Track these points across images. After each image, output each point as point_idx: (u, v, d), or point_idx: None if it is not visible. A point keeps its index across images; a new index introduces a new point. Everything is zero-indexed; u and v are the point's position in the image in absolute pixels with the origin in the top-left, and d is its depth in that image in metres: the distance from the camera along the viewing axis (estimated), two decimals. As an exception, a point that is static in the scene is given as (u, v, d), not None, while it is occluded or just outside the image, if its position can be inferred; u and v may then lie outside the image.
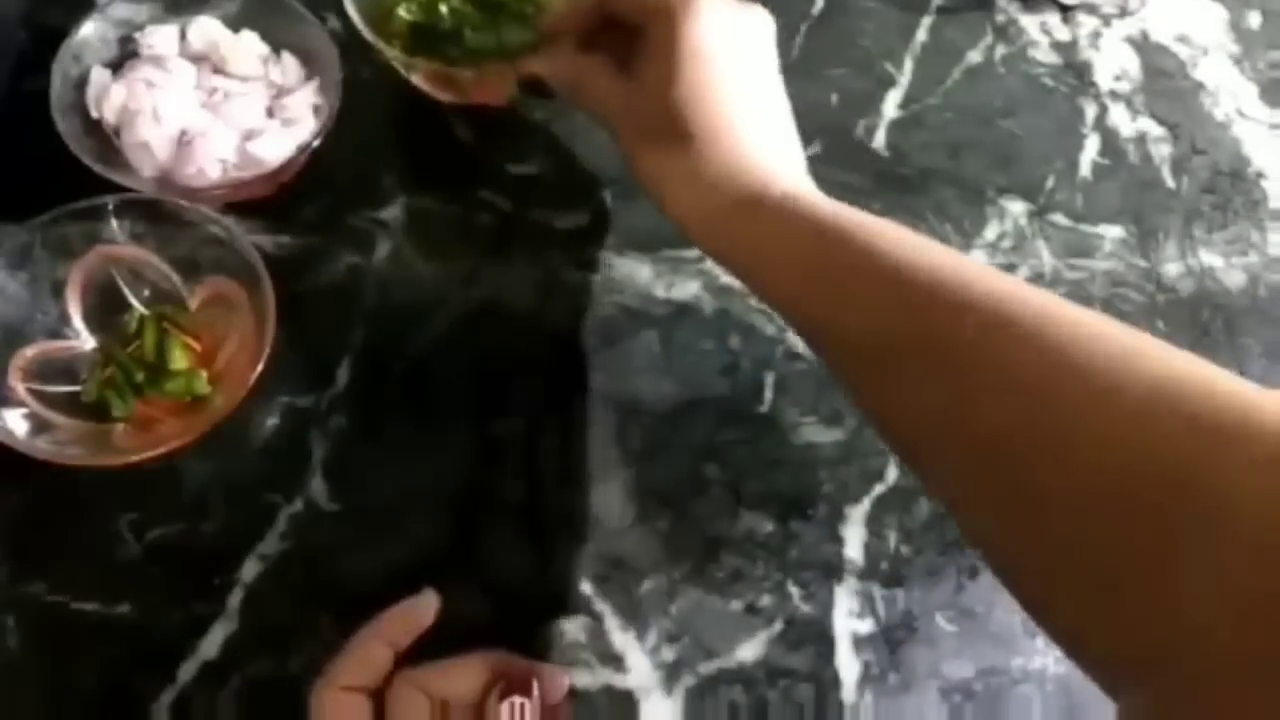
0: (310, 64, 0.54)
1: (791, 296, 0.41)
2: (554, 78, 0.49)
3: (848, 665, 0.47)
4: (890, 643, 0.47)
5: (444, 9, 0.53)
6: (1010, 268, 0.56)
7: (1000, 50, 0.61)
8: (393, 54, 0.52)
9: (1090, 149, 0.59)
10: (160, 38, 0.53)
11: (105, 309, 0.49)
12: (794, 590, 0.48)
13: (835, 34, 0.61)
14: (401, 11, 0.54)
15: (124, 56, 0.53)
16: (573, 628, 0.46)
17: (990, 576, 0.49)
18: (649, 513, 0.49)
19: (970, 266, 0.38)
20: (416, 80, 0.54)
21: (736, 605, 0.48)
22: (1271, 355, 0.55)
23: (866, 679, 0.47)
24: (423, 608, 0.43)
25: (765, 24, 0.46)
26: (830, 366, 0.41)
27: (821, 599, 0.48)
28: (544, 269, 0.53)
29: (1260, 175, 0.60)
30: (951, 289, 0.36)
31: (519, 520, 0.48)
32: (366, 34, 0.51)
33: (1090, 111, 0.60)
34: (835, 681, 0.47)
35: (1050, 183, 0.58)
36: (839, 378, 0.41)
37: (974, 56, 0.61)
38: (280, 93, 0.53)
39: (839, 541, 0.49)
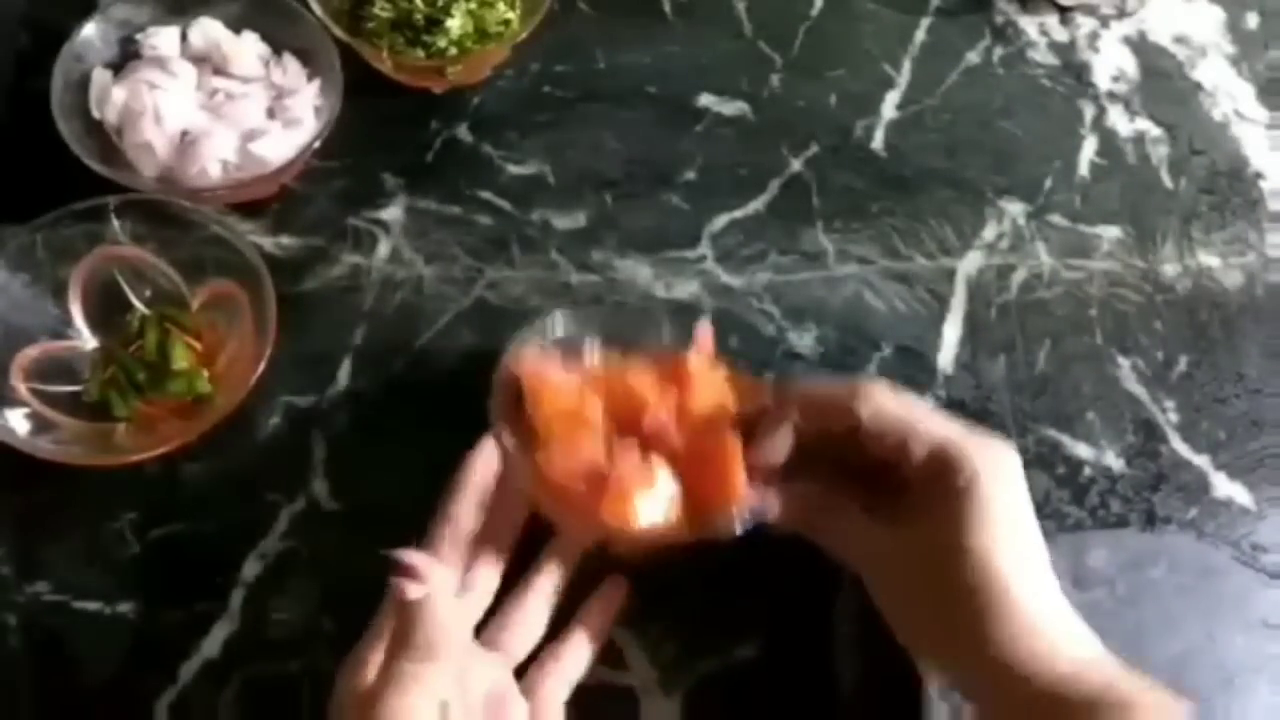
0: (311, 65, 0.54)
1: None
2: (782, 519, 0.43)
3: (847, 665, 0.47)
4: (890, 642, 0.47)
5: (418, 0, 0.54)
6: (1009, 268, 0.56)
7: (998, 51, 0.62)
8: (367, 49, 0.53)
9: (1088, 149, 0.59)
10: (162, 39, 0.53)
11: (107, 309, 0.49)
12: (794, 589, 0.48)
13: (834, 35, 0.61)
14: (377, 9, 0.54)
15: (125, 57, 0.53)
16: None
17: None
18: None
19: None
20: (401, 76, 0.55)
21: (736, 604, 0.48)
22: (1269, 355, 0.55)
23: (866, 679, 0.47)
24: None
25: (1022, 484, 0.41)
26: None
27: (821, 598, 0.48)
28: (544, 269, 0.53)
29: (1258, 175, 0.60)
30: None
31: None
32: (338, 32, 0.52)
33: (1088, 112, 0.60)
34: (835, 682, 0.47)
35: (1048, 183, 0.58)
36: None
37: (972, 57, 0.61)
38: (281, 93, 0.53)
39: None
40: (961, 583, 0.38)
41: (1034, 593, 0.38)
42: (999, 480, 0.39)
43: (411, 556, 0.38)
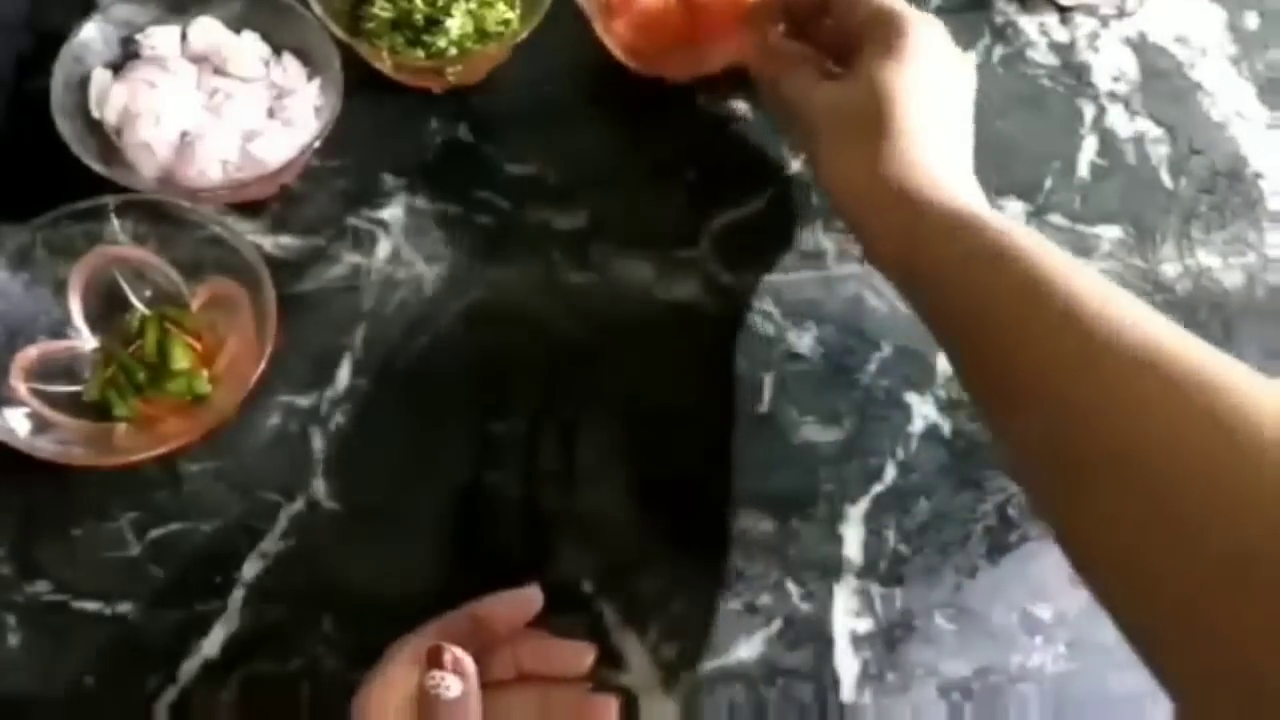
0: (311, 65, 0.54)
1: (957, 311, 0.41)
2: (759, 64, 0.51)
3: (846, 664, 0.47)
4: (889, 641, 0.48)
5: (418, 0, 0.54)
6: (1008, 268, 0.56)
7: (998, 51, 0.62)
8: (367, 49, 0.53)
9: (1088, 149, 0.59)
10: (161, 39, 0.53)
11: (107, 309, 0.49)
12: (793, 589, 0.48)
13: (834, 35, 0.61)
14: (377, 9, 0.54)
15: (125, 57, 0.53)
16: (573, 627, 0.46)
17: (988, 576, 0.49)
18: (649, 512, 0.49)
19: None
20: (401, 76, 0.55)
21: (736, 604, 0.48)
22: (1269, 355, 0.55)
23: (865, 678, 0.47)
24: (524, 601, 0.43)
25: (972, 73, 0.49)
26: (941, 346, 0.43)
27: (820, 598, 0.48)
28: (544, 269, 0.53)
29: (1258, 175, 0.60)
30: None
31: (519, 519, 0.49)
32: (338, 32, 0.52)
33: (1088, 112, 0.60)
34: (834, 680, 0.47)
35: (1048, 183, 0.58)
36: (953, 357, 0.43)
37: (972, 57, 0.61)
38: (281, 93, 0.54)
39: (838, 541, 0.49)
40: (874, 110, 0.44)
41: (935, 134, 0.44)
42: (923, 40, 0.46)
43: (460, 654, 0.38)
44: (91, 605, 0.45)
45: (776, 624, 0.47)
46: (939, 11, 0.62)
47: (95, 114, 0.51)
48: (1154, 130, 0.60)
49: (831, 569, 0.49)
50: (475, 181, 0.55)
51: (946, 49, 0.47)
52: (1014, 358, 0.38)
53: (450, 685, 0.37)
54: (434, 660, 0.38)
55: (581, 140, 0.57)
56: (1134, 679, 0.47)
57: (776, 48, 0.51)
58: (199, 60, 0.53)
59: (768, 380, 0.52)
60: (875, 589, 0.48)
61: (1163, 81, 0.62)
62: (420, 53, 0.54)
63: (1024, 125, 0.60)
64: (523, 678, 0.42)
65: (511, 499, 0.49)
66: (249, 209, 0.53)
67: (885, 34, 0.46)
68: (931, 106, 0.45)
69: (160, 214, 0.48)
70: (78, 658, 0.45)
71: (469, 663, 0.38)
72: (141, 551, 0.46)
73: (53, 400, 0.47)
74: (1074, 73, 0.61)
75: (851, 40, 0.47)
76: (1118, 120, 0.60)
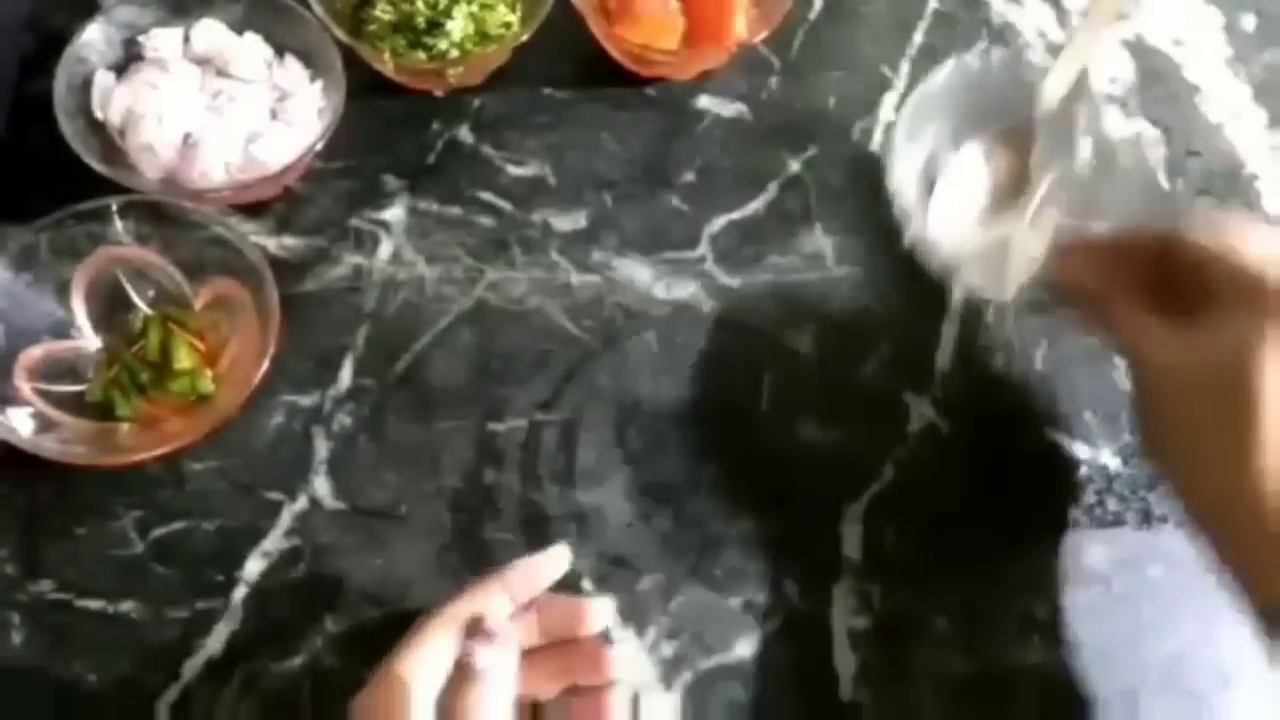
0: (313, 66, 0.54)
1: None
2: (1076, 293, 0.44)
3: (845, 663, 0.47)
4: (888, 641, 0.48)
5: (419, 2, 0.54)
6: (1007, 268, 0.56)
7: (996, 53, 0.62)
8: (369, 51, 0.53)
9: (1085, 151, 0.60)
10: (164, 40, 0.53)
11: (110, 309, 0.49)
12: (792, 588, 0.48)
13: (832, 37, 0.61)
14: (379, 12, 0.54)
15: (128, 59, 0.53)
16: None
17: (988, 575, 0.49)
18: (649, 511, 0.49)
19: None
20: (403, 78, 0.55)
21: (735, 602, 0.48)
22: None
23: (864, 677, 0.47)
24: (552, 563, 0.42)
25: None
26: None
27: (819, 597, 0.48)
28: (544, 269, 0.54)
29: (1254, 177, 0.60)
30: None
31: (519, 519, 0.49)
32: (340, 34, 0.52)
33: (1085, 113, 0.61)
34: (833, 679, 0.47)
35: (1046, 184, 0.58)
36: None
37: (970, 59, 0.62)
38: (283, 95, 0.54)
39: (837, 540, 0.49)
40: (1246, 398, 0.35)
41: None
42: None
43: (500, 625, 0.38)
44: (94, 604, 0.46)
45: (775, 623, 0.48)
46: (937, 14, 0.62)
47: (98, 115, 0.52)
48: (1151, 132, 0.61)
49: (830, 568, 0.49)
50: (476, 182, 0.55)
51: None
52: None
53: (490, 656, 0.37)
54: (474, 631, 0.37)
55: (581, 141, 0.57)
56: (1132, 678, 0.48)
57: (1099, 275, 0.43)
58: (201, 62, 0.54)
59: (766, 380, 0.52)
60: (874, 588, 0.49)
61: (1160, 83, 0.62)
62: (422, 55, 0.54)
63: (1022, 127, 0.60)
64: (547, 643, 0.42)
65: (512, 498, 0.49)
66: (252, 210, 0.53)
67: (1255, 300, 0.37)
68: None
69: (163, 215, 0.48)
70: (81, 656, 0.45)
71: (510, 632, 0.38)
72: (144, 550, 0.47)
73: (56, 400, 0.47)
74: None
75: (1201, 282, 0.39)
76: (1115, 122, 0.61)
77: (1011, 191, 0.51)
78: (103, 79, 0.52)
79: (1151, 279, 0.41)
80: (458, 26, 0.54)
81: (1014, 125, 0.51)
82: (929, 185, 0.52)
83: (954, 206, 0.52)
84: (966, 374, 0.53)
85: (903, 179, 0.50)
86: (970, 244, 0.51)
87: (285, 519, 0.48)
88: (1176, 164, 0.60)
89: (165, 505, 0.47)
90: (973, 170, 0.52)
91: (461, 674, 0.38)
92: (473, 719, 0.37)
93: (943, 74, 0.52)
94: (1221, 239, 0.39)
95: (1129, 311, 0.41)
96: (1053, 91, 0.49)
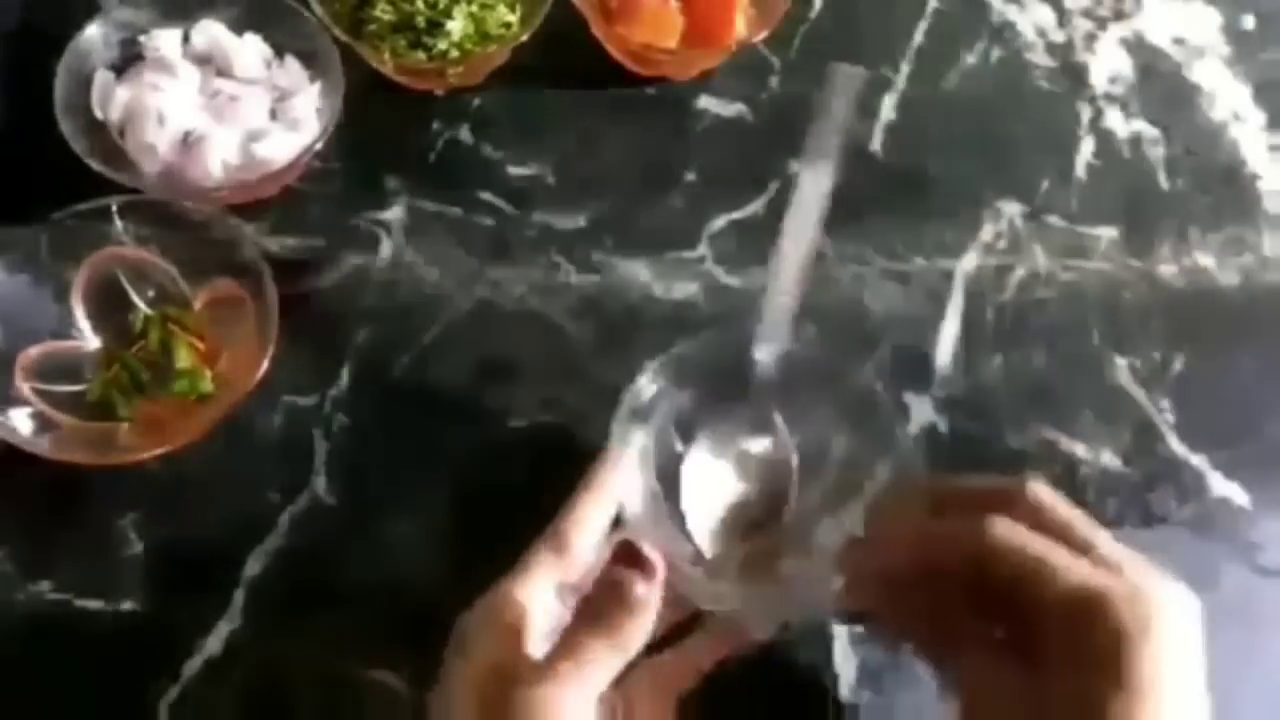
0: (313, 66, 0.54)
1: None
2: (890, 628, 0.39)
3: (846, 663, 0.47)
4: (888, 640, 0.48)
5: (419, 2, 0.54)
6: (1006, 268, 0.56)
7: (996, 53, 0.62)
8: (369, 51, 0.53)
9: (1085, 151, 0.60)
10: (164, 40, 0.53)
11: (110, 309, 0.49)
12: (792, 588, 0.48)
13: (832, 37, 0.61)
14: (379, 12, 0.54)
15: (128, 59, 0.53)
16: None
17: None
18: (649, 511, 0.49)
19: None
20: (403, 78, 0.55)
21: (736, 603, 0.48)
22: (1265, 356, 0.55)
23: (865, 677, 0.47)
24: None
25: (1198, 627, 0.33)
26: None
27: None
28: (544, 269, 0.54)
29: (1254, 177, 0.60)
30: None
31: (520, 519, 0.49)
32: (340, 34, 0.52)
33: (1085, 113, 0.61)
34: (834, 680, 0.47)
35: (1045, 184, 0.58)
36: None
37: (970, 59, 0.62)
38: (283, 95, 0.54)
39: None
40: None
41: None
42: (1161, 649, 0.31)
43: (652, 554, 0.36)
44: (94, 604, 0.46)
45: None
46: (937, 14, 0.62)
47: (98, 115, 0.52)
48: (1151, 131, 0.61)
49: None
50: (476, 182, 0.55)
51: (1191, 633, 0.32)
52: None
53: (646, 589, 0.35)
54: (628, 558, 0.36)
55: (582, 141, 0.57)
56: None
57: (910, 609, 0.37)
58: (201, 62, 0.54)
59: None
60: (874, 588, 0.49)
61: (1160, 83, 0.62)
62: (422, 55, 0.54)
63: (1021, 126, 0.60)
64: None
65: (512, 499, 0.49)
66: (252, 210, 0.53)
67: (1100, 639, 0.31)
68: None
69: (163, 215, 0.48)
70: (80, 656, 0.45)
71: (659, 561, 0.36)
72: (144, 550, 0.47)
73: (56, 400, 0.47)
74: (1071, 74, 0.62)
75: (1036, 611, 0.33)
76: (1115, 121, 0.61)
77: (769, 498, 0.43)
78: (103, 78, 0.52)
79: (963, 584, 0.35)
80: (458, 26, 0.54)
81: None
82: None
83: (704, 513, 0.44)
84: (965, 374, 0.53)
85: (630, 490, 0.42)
86: (725, 564, 0.43)
87: (285, 519, 0.47)
88: (1176, 163, 0.60)
89: (165, 505, 0.47)
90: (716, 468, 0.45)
91: (618, 601, 0.35)
92: (632, 647, 0.35)
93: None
94: (1030, 557, 0.33)
95: (964, 645, 0.36)
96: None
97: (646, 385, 0.44)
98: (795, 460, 0.44)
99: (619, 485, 0.41)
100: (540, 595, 0.37)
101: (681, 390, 0.44)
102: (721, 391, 0.44)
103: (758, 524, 0.44)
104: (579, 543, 0.39)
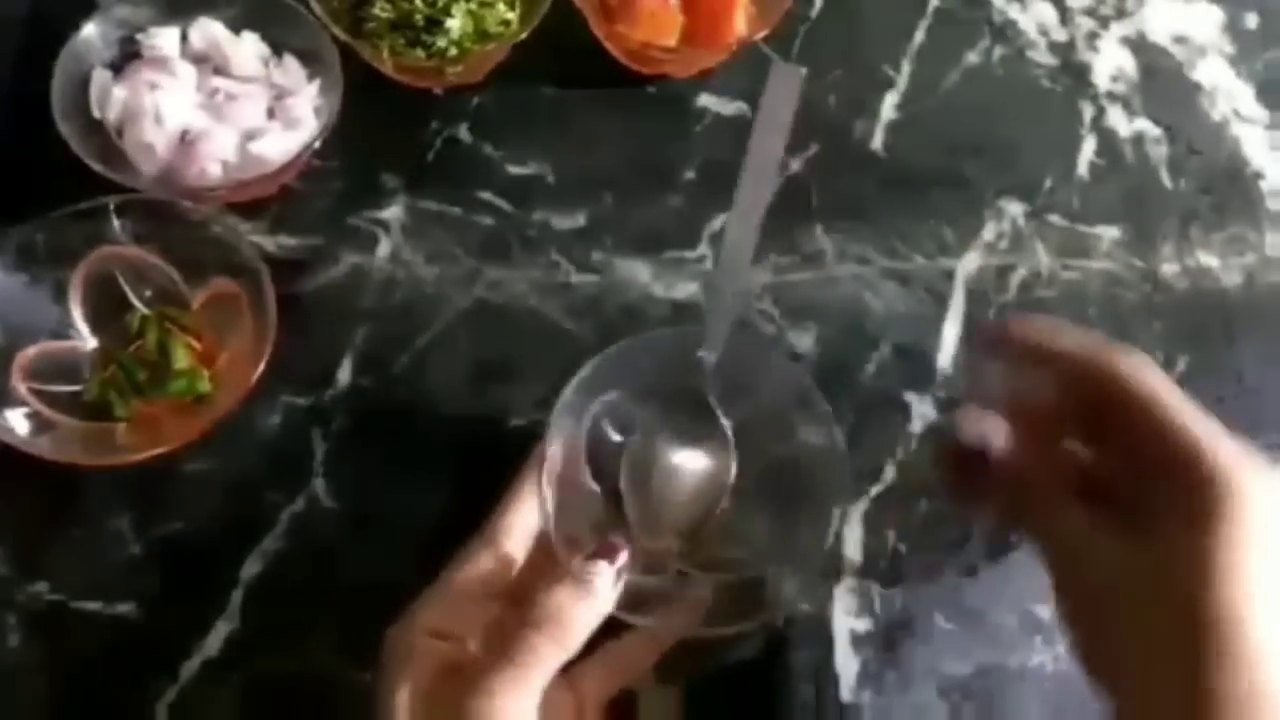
0: (311, 65, 0.54)
1: None
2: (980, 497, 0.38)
3: (846, 664, 0.47)
4: (889, 641, 0.48)
5: (418, 1, 0.54)
6: (1008, 268, 0.56)
7: (998, 51, 0.62)
8: (367, 49, 0.53)
9: (1087, 150, 0.60)
10: (162, 39, 0.53)
11: (107, 309, 0.49)
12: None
13: (833, 35, 0.61)
14: (377, 10, 0.54)
15: (126, 57, 0.53)
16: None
17: (988, 576, 0.49)
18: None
19: None
20: (402, 76, 0.55)
21: (736, 604, 0.48)
22: (1268, 355, 0.55)
23: (865, 677, 0.47)
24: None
25: None
26: None
27: (820, 597, 0.48)
28: (543, 269, 0.54)
29: (1257, 175, 0.60)
30: None
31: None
32: (338, 32, 0.52)
33: (1087, 112, 0.60)
34: (834, 680, 0.47)
35: (1048, 183, 0.58)
36: None
37: (972, 58, 0.61)
38: (281, 94, 0.54)
39: (838, 540, 0.49)
40: (1204, 617, 0.31)
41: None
42: (1263, 515, 0.31)
43: (621, 545, 0.38)
44: (91, 605, 0.45)
45: (776, 623, 0.47)
46: (938, 13, 0.62)
47: (96, 114, 0.52)
48: (1153, 130, 0.60)
49: (831, 568, 0.49)
50: (475, 181, 0.55)
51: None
52: None
53: (606, 579, 0.37)
54: (604, 547, 0.38)
55: (581, 140, 0.57)
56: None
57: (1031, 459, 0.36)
58: (199, 60, 0.53)
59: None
60: (875, 589, 0.48)
61: (1162, 82, 0.62)
62: (421, 53, 0.54)
63: (1024, 125, 0.60)
64: None
65: (511, 498, 0.49)
66: (249, 209, 0.53)
67: (1197, 499, 0.32)
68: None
69: (161, 214, 0.48)
70: (78, 657, 0.45)
71: (624, 559, 0.38)
72: (142, 551, 0.46)
73: (53, 400, 0.47)
74: (1073, 73, 0.62)
75: (1138, 468, 0.34)
76: (1117, 120, 0.60)
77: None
78: (100, 77, 0.52)
79: (1065, 455, 0.36)
80: (456, 24, 0.54)
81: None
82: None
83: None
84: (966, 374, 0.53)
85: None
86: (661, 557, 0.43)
87: (283, 520, 0.47)
88: (1178, 162, 0.60)
89: (162, 506, 0.47)
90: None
91: (572, 582, 0.37)
92: (566, 628, 0.36)
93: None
94: (1192, 431, 0.33)
95: (1053, 510, 0.35)
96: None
97: (584, 378, 0.43)
98: (734, 458, 0.44)
99: (543, 482, 0.41)
100: (474, 596, 0.38)
101: (622, 384, 0.44)
102: (665, 387, 0.44)
103: (695, 518, 0.44)
104: (509, 542, 0.40)
